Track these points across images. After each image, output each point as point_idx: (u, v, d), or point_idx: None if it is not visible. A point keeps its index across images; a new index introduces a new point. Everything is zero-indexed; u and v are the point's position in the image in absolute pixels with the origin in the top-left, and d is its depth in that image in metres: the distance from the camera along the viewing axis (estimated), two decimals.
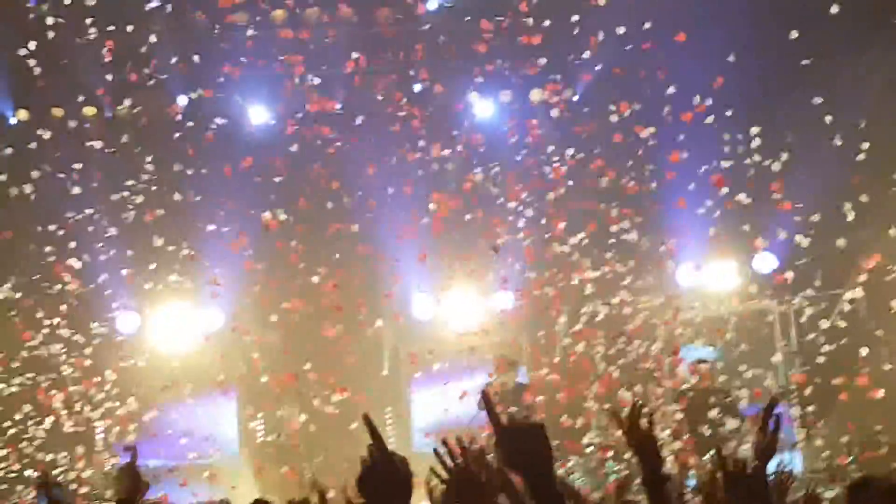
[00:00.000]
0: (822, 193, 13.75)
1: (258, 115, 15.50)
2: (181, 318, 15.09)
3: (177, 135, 14.90)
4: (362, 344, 15.11)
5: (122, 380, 14.59)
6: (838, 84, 13.93)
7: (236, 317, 14.96)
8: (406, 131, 14.96)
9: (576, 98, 15.76)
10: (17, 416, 14.05)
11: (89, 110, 15.09)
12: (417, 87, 15.52)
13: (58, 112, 15.03)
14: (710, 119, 13.80)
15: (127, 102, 15.20)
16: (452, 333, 15.11)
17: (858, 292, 14.14)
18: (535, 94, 15.89)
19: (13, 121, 15.20)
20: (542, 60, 15.08)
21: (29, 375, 14.25)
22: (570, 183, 14.92)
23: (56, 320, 14.29)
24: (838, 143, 13.62)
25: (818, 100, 13.69)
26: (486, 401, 3.03)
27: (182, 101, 15.28)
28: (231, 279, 14.79)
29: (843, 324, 14.10)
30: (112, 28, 14.29)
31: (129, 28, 14.39)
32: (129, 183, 14.61)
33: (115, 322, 14.90)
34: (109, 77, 14.77)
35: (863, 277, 14.03)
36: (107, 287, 14.60)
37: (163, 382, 14.40)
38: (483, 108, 15.98)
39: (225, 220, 14.64)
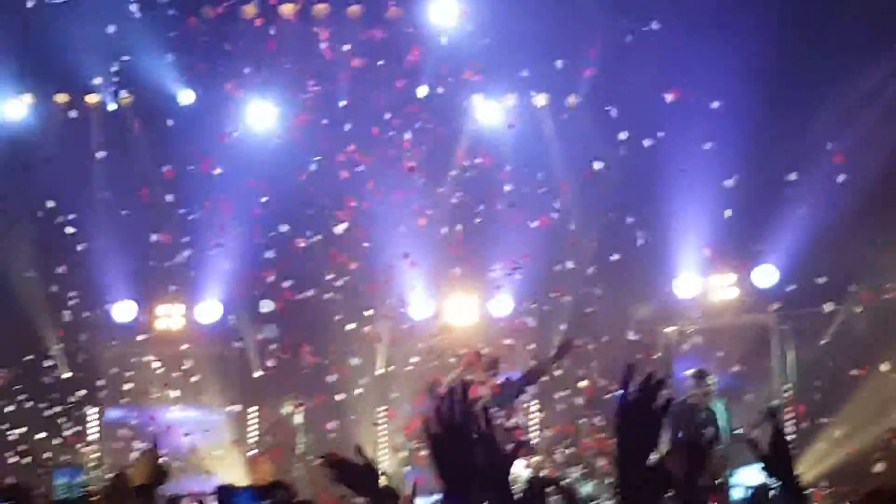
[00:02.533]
0: (823, 206, 13.79)
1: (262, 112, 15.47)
2: (179, 309, 15.07)
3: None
4: (356, 343, 15.06)
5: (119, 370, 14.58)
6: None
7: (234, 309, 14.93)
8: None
9: (578, 101, 15.69)
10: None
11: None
12: (423, 91, 15.41)
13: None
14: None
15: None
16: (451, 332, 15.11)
17: (857, 307, 14.17)
18: (539, 99, 15.86)
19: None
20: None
21: None
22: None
23: None
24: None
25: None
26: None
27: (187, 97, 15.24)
28: (230, 272, 14.77)
29: (841, 338, 14.11)
30: None
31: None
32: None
33: (111, 311, 14.86)
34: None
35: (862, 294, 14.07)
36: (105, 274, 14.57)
37: (161, 374, 14.33)
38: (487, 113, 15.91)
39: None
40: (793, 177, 14.05)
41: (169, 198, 14.65)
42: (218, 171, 14.40)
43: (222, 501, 3.61)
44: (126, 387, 14.52)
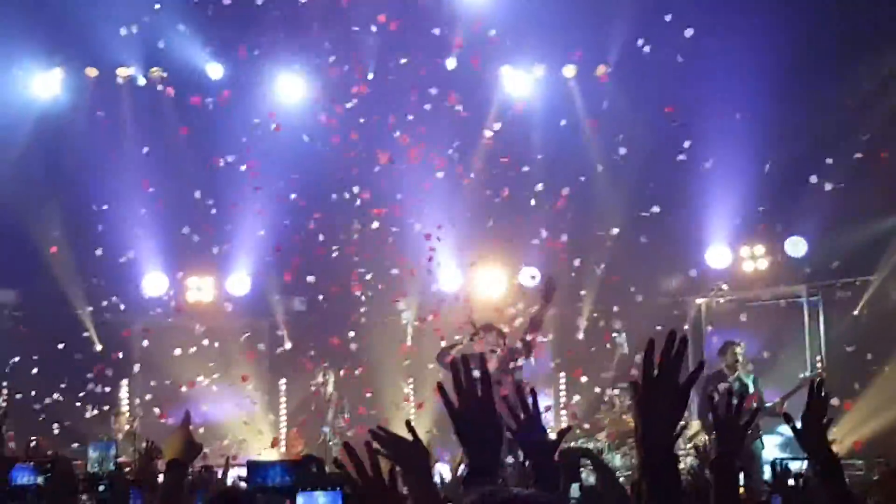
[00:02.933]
0: (854, 177, 13.66)
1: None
2: (209, 282, 15.17)
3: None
4: (386, 316, 15.08)
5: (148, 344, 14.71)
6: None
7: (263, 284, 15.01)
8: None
9: (609, 71, 15.58)
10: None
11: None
12: (451, 63, 15.33)
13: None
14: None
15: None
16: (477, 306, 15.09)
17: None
18: (568, 70, 15.76)
19: None
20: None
21: None
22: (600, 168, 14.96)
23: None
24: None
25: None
26: None
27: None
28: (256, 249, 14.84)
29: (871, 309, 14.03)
30: None
31: None
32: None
33: (142, 284, 14.97)
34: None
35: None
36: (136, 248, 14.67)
37: (188, 347, 14.41)
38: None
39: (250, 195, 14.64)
40: (828, 160, 13.85)
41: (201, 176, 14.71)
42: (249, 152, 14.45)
43: (251, 475, 3.62)
44: (157, 360, 14.62)
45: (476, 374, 2.95)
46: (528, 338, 10.98)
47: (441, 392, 3.02)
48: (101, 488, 4.42)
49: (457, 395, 2.93)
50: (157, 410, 14.08)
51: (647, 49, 14.19)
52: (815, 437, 3.89)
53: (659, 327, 14.75)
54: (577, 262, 14.66)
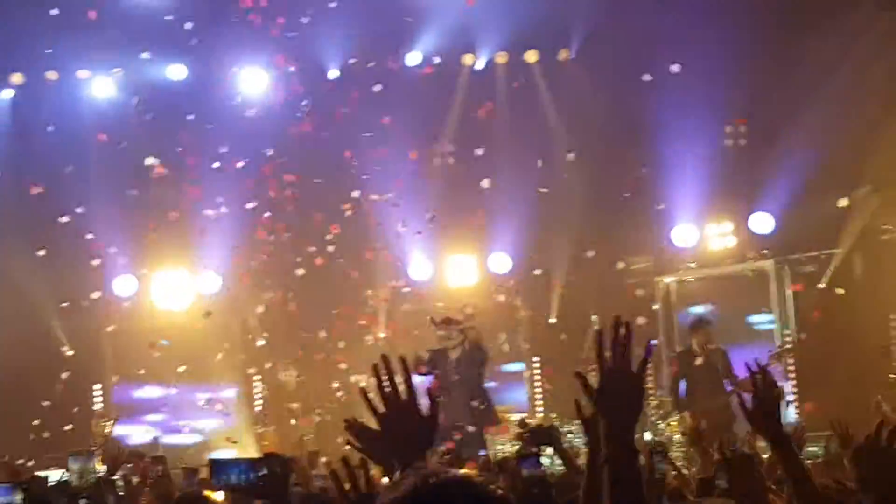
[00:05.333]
0: (818, 152, 13.80)
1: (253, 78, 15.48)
2: (179, 281, 15.13)
3: None
4: (359, 306, 15.13)
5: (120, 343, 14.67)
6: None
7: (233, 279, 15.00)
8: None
9: (572, 57, 15.67)
10: None
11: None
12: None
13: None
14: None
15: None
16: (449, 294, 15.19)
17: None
18: (531, 56, 15.82)
19: None
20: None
21: None
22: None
23: None
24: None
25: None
26: None
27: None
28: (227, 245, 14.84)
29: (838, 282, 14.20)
30: None
31: None
32: None
33: (113, 285, 14.91)
34: None
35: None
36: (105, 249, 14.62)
37: (159, 345, 14.37)
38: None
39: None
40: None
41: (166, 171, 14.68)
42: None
43: (214, 474, 3.61)
44: (129, 362, 14.58)
45: (399, 379, 2.95)
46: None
47: (364, 398, 3.03)
48: (81, 502, 4.43)
49: (382, 400, 2.94)
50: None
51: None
52: (764, 416, 3.89)
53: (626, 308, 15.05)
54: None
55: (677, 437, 12.15)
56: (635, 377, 2.79)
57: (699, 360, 12.56)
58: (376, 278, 15.10)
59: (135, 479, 6.99)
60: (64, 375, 14.26)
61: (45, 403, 13.78)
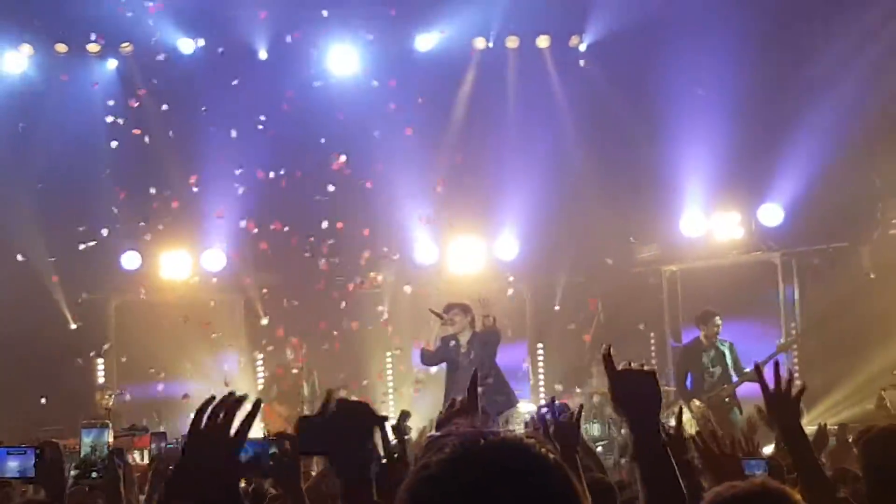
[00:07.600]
0: (828, 145, 13.75)
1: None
2: (182, 258, 15.08)
3: None
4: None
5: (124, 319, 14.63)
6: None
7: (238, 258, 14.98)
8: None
9: (583, 48, 15.59)
10: None
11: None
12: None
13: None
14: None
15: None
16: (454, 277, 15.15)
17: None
18: (542, 41, 15.73)
19: None
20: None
21: None
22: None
23: None
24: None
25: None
26: None
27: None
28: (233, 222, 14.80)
29: (845, 275, 14.16)
30: None
31: None
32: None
33: (120, 260, 14.87)
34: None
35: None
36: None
37: (163, 322, 14.32)
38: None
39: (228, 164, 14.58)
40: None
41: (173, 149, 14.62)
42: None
43: None
44: (133, 337, 14.55)
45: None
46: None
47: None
48: (93, 475, 4.39)
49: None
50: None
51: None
52: (785, 406, 3.86)
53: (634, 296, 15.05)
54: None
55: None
56: (646, 374, 2.88)
57: (706, 353, 12.56)
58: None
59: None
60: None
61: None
